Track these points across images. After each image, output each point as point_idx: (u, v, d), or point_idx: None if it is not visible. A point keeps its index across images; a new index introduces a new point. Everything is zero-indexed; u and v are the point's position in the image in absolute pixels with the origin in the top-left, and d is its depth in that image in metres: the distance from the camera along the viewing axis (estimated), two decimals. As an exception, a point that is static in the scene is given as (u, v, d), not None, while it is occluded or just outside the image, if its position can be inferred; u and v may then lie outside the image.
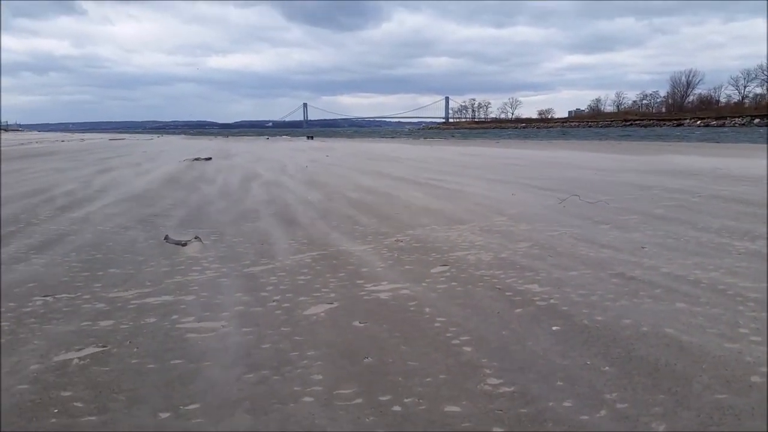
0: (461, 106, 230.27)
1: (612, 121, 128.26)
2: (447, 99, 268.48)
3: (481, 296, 4.52)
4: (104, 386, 3.00)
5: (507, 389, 2.96)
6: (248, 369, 3.22)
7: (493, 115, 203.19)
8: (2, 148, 29.36)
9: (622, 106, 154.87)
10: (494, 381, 3.06)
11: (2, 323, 3.93)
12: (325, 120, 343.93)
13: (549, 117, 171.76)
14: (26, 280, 4.98)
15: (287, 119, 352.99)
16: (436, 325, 3.88)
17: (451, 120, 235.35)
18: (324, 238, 6.75)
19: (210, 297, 4.55)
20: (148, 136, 56.82)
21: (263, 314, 4.15)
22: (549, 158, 21.01)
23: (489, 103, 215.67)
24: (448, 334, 3.72)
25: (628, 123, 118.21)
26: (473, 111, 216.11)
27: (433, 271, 5.25)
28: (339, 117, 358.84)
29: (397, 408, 2.76)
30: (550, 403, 2.80)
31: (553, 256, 5.72)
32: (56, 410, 2.75)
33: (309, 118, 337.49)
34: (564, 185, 11.74)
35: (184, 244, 6.31)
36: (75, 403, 2.82)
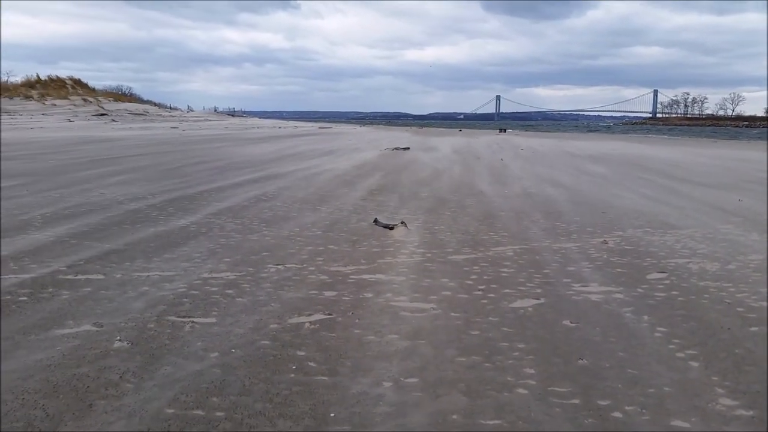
0: (672, 100, 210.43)
1: None
2: (655, 92, 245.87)
3: (707, 309, 4.13)
4: (332, 351, 3.31)
5: (744, 413, 2.68)
6: (460, 352, 3.32)
7: (708, 112, 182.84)
8: (240, 132, 33.41)
9: None
10: (728, 402, 2.79)
11: (243, 285, 4.50)
12: (517, 113, 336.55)
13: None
14: (260, 249, 5.64)
15: (478, 111, 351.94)
16: (657, 335, 3.63)
17: (659, 115, 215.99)
18: (524, 233, 6.66)
19: (418, 279, 4.75)
20: (350, 126, 60.65)
21: (470, 301, 4.23)
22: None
23: (705, 98, 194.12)
24: (671, 346, 3.46)
25: None
26: (686, 106, 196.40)
27: (649, 277, 4.90)
28: (533, 110, 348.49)
29: (617, 414, 2.65)
30: (802, 438, 2.48)
31: (795, 274, 5.01)
32: (294, 367, 3.10)
33: (501, 111, 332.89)
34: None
35: (392, 228, 6.66)
36: (309, 363, 3.14)
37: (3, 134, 24.89)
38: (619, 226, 7.09)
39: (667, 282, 4.77)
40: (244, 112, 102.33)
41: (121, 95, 62.16)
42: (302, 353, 3.26)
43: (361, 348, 3.35)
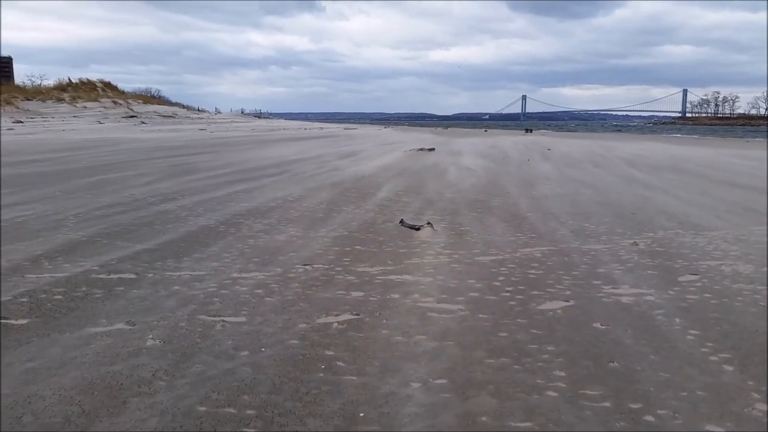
0: (702, 99, 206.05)
1: None
2: (685, 92, 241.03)
3: (741, 312, 4.05)
4: (361, 351, 3.32)
5: (783, 419, 2.62)
6: (488, 354, 3.30)
7: (740, 111, 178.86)
8: (268, 132, 33.72)
9: None
10: (764, 407, 2.73)
11: (271, 285, 4.54)
12: (543, 113, 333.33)
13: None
14: (287, 249, 5.69)
15: (504, 112, 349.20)
16: (689, 338, 3.57)
17: (688, 115, 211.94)
18: (552, 234, 6.59)
19: (445, 280, 4.74)
20: (375, 127, 60.71)
21: (497, 303, 4.21)
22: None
23: (737, 97, 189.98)
24: (704, 350, 3.40)
25: None
26: (716, 105, 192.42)
27: (681, 279, 4.82)
28: (559, 110, 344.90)
29: (650, 418, 2.61)
30: (843, 446, 2.42)
31: (834, 277, 4.88)
32: (323, 366, 3.12)
33: (527, 111, 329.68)
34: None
35: (418, 229, 6.65)
36: (338, 363, 3.16)
37: (36, 136, 25.50)
38: (649, 227, 6.98)
39: (699, 284, 4.68)
40: (270, 114, 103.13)
41: (150, 97, 63.21)
42: (331, 353, 3.29)
43: (389, 348, 3.36)
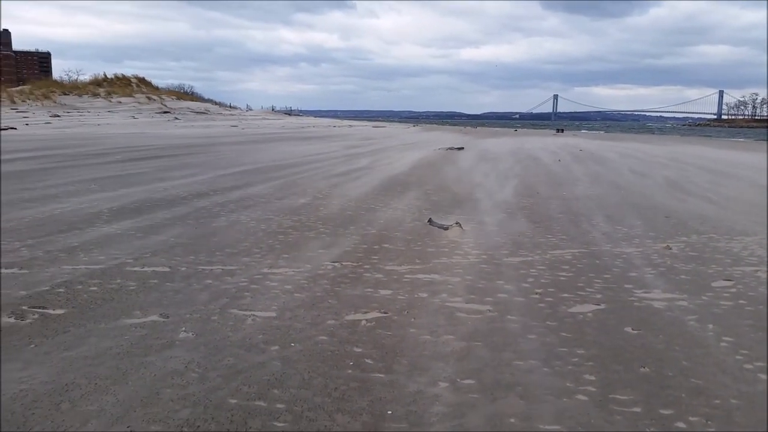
0: (738, 101, 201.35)
1: None
2: (721, 93, 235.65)
3: (778, 320, 3.95)
4: (389, 349, 3.34)
5: (820, 432, 2.56)
6: (517, 356, 3.29)
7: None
8: (296, 130, 34.02)
9: None
10: (802, 419, 2.66)
11: (301, 281, 4.59)
12: (575, 113, 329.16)
13: None
14: (317, 246, 5.74)
15: (535, 111, 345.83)
16: (723, 345, 3.50)
17: (724, 116, 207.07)
18: (583, 236, 6.52)
19: (474, 281, 4.73)
20: (403, 126, 60.69)
21: (526, 305, 4.18)
22: None
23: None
24: (738, 357, 3.33)
25: None
26: (754, 107, 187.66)
27: (714, 285, 4.73)
28: (591, 110, 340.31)
29: (681, 425, 2.58)
30: None
31: None
32: (351, 363, 3.15)
33: (558, 111, 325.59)
34: None
35: (446, 228, 6.64)
36: (366, 360, 3.19)
37: (72, 130, 26.13)
38: (683, 231, 6.86)
39: (734, 290, 4.58)
40: (300, 111, 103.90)
41: (183, 94, 64.18)
42: (359, 350, 3.31)
43: (417, 347, 3.37)
